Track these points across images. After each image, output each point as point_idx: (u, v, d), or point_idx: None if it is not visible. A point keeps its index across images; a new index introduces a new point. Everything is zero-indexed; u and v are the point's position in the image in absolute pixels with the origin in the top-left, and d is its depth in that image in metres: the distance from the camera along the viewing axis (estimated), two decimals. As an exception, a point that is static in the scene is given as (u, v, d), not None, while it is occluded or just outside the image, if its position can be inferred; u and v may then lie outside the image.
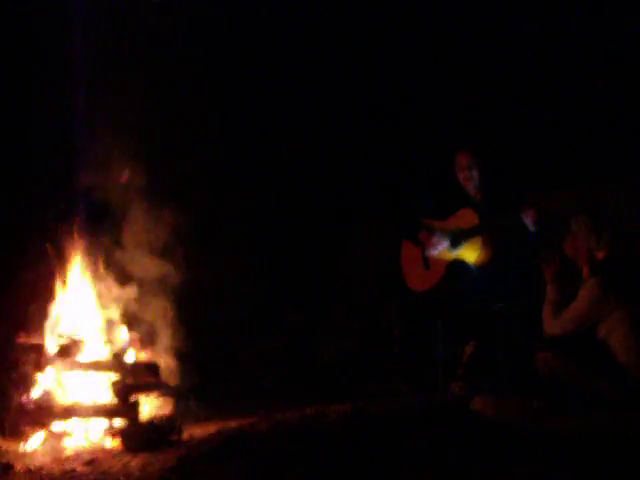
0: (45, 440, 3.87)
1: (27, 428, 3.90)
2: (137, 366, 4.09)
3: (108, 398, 3.96)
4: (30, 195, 4.82)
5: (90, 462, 3.51)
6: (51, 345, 4.08)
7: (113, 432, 3.89)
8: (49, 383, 4.05)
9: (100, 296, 4.37)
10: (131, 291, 4.43)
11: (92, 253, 4.41)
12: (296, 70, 6.83)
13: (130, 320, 4.38)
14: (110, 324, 4.28)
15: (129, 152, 4.54)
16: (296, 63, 6.82)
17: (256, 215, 7.02)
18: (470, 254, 5.10)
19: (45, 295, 4.27)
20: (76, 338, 4.10)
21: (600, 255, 4.31)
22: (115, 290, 4.41)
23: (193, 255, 4.64)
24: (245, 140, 6.55)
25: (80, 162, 4.57)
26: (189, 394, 4.44)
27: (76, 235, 4.37)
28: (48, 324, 4.20)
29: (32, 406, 3.96)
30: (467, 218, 5.17)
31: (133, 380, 4.00)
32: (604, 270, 4.25)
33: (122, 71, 4.67)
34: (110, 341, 4.17)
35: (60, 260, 4.31)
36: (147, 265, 4.58)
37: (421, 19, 6.67)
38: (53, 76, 4.75)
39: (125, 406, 3.91)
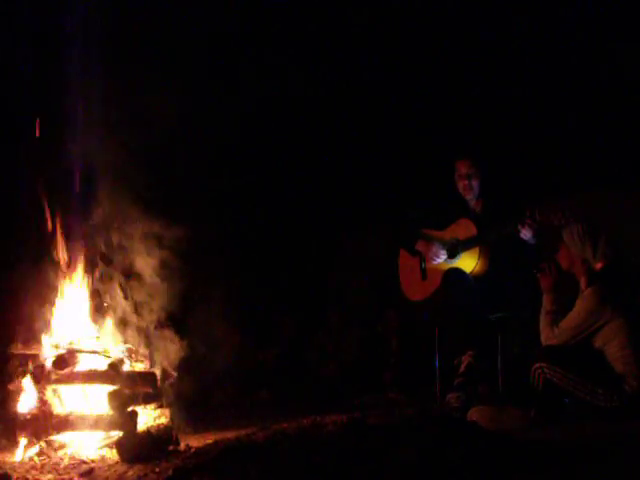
0: (42, 451, 3.86)
1: (24, 439, 3.89)
2: (134, 376, 4.08)
3: (105, 409, 3.95)
4: (24, 202, 4.82)
5: (87, 473, 3.51)
6: (47, 356, 4.08)
7: (110, 443, 3.88)
8: (46, 394, 4.04)
9: (97, 306, 4.36)
10: (128, 301, 4.44)
11: (88, 262, 4.41)
12: (292, 77, 6.84)
13: (127, 330, 4.38)
14: (107, 334, 4.29)
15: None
16: (293, 69, 6.83)
17: (252, 223, 7.02)
18: (468, 264, 5.11)
19: (41, 305, 4.27)
20: (73, 348, 4.09)
21: (598, 266, 4.32)
22: (112, 300, 4.41)
23: (189, 265, 4.64)
24: (240, 146, 6.56)
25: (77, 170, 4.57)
26: (186, 405, 4.45)
27: (72, 244, 4.37)
28: (44, 334, 4.20)
29: (29, 417, 3.96)
30: (465, 228, 5.18)
31: (130, 390, 3.99)
32: (601, 280, 4.27)
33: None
34: (107, 351, 4.16)
35: (56, 269, 4.32)
36: (143, 275, 4.58)
37: (422, 26, 6.70)
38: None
39: (122, 417, 3.90)
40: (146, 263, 4.59)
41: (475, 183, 5.27)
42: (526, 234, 4.85)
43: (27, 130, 4.64)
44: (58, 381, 4.01)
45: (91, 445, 3.93)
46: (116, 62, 4.62)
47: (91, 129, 4.53)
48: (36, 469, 3.63)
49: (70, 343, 4.14)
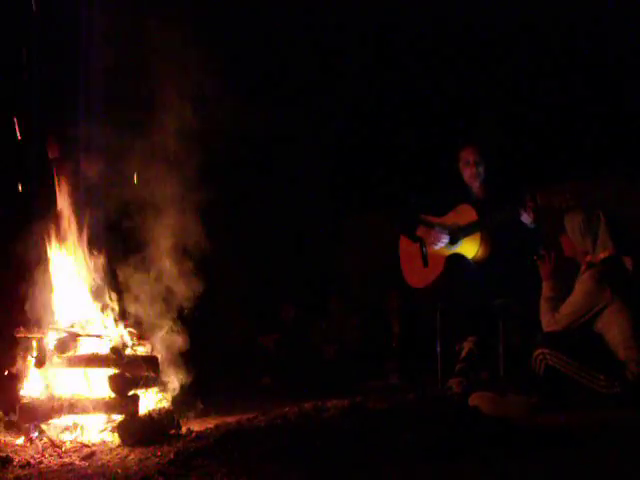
0: (44, 434, 3.87)
1: (26, 422, 3.90)
2: (136, 360, 4.08)
3: (107, 392, 3.95)
4: (27, 189, 4.82)
5: (88, 456, 3.51)
6: (49, 339, 4.08)
7: (111, 426, 3.89)
8: (47, 377, 4.05)
9: (99, 289, 4.36)
10: (131, 285, 4.44)
11: (91, 245, 4.40)
12: (297, 66, 6.82)
13: (129, 314, 4.38)
14: (109, 317, 4.29)
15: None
16: (299, 60, 6.82)
17: (255, 210, 7.01)
18: (469, 250, 5.10)
19: (42, 288, 4.27)
20: (74, 332, 4.10)
21: (600, 256, 4.32)
22: (114, 284, 4.41)
23: (192, 250, 4.64)
24: (242, 136, 6.54)
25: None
26: (188, 388, 4.45)
27: (75, 226, 4.37)
28: (46, 318, 4.20)
29: (31, 400, 3.97)
30: (466, 214, 5.17)
31: (132, 374, 3.99)
32: (600, 263, 4.28)
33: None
34: (109, 335, 4.17)
35: (57, 251, 4.31)
36: (146, 260, 4.58)
37: (425, 15, 6.68)
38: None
39: (124, 400, 3.91)
40: (150, 247, 4.60)
41: (482, 170, 5.26)
42: (527, 217, 4.85)
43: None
44: (60, 364, 4.02)
45: (93, 428, 3.94)
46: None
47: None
48: (38, 452, 3.64)
49: (72, 326, 4.15)
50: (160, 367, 4.21)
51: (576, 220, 4.40)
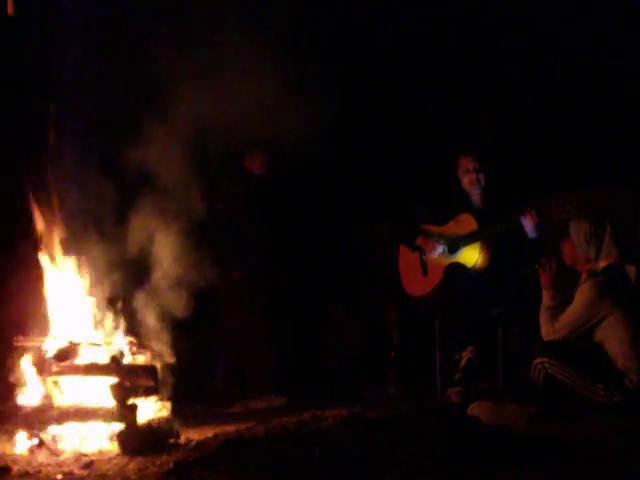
0: (43, 443, 3.86)
1: (25, 431, 3.89)
2: (135, 369, 4.08)
3: (106, 401, 3.95)
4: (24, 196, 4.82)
5: (87, 465, 3.50)
6: (49, 348, 4.08)
7: (110, 435, 3.88)
8: (47, 386, 4.04)
9: (98, 298, 4.36)
10: (132, 293, 4.44)
11: (89, 253, 4.41)
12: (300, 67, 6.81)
13: (128, 322, 4.37)
14: (108, 326, 4.29)
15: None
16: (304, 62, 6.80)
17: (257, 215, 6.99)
18: (469, 259, 5.11)
19: (42, 297, 4.27)
20: (74, 341, 4.10)
21: (601, 265, 4.32)
22: (114, 292, 4.41)
23: (190, 256, 4.64)
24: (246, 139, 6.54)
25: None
26: (187, 397, 4.45)
27: (73, 232, 4.37)
28: (45, 327, 4.20)
29: (30, 409, 3.96)
30: (466, 223, 5.18)
31: (131, 383, 3.99)
32: (601, 273, 4.28)
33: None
34: (108, 344, 4.16)
35: (53, 262, 4.31)
36: (145, 268, 4.58)
37: (426, 20, 6.69)
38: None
39: (123, 409, 3.90)
40: (147, 254, 4.60)
41: (482, 177, 5.28)
42: (527, 225, 4.85)
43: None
44: (59, 373, 4.02)
45: (91, 437, 3.93)
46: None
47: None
48: (36, 461, 3.63)
49: (71, 335, 4.14)
50: (159, 376, 4.20)
51: (582, 227, 4.40)
